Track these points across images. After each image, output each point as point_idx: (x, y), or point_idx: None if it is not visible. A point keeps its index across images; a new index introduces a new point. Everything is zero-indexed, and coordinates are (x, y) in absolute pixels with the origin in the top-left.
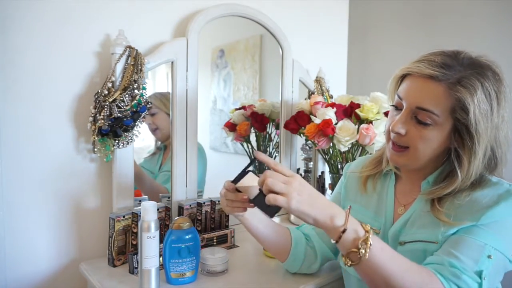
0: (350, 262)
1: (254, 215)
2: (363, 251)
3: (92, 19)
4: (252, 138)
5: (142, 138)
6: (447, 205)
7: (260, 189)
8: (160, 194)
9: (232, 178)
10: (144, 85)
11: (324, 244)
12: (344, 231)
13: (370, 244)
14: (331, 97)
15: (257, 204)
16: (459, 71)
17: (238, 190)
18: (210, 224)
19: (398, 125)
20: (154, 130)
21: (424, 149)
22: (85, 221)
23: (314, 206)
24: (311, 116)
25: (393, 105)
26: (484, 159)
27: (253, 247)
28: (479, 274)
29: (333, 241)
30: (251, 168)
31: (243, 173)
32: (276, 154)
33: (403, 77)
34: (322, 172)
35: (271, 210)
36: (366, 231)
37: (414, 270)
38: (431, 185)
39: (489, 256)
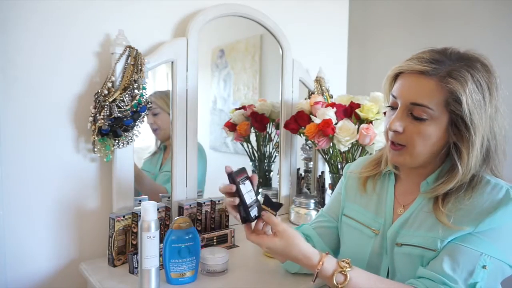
0: None
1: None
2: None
3: (92, 19)
4: (252, 138)
5: (142, 138)
6: (449, 206)
7: (240, 198)
8: (160, 194)
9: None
10: (144, 85)
11: (325, 245)
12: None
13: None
14: (331, 97)
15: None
16: (449, 65)
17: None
18: (210, 224)
19: (395, 123)
20: (155, 130)
21: (423, 145)
22: (85, 221)
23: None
24: (311, 116)
25: (389, 106)
26: (482, 150)
27: (253, 247)
28: (473, 286)
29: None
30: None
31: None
32: (276, 154)
33: (395, 77)
34: (322, 172)
35: (246, 219)
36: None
37: None
38: (431, 185)
39: (484, 267)
